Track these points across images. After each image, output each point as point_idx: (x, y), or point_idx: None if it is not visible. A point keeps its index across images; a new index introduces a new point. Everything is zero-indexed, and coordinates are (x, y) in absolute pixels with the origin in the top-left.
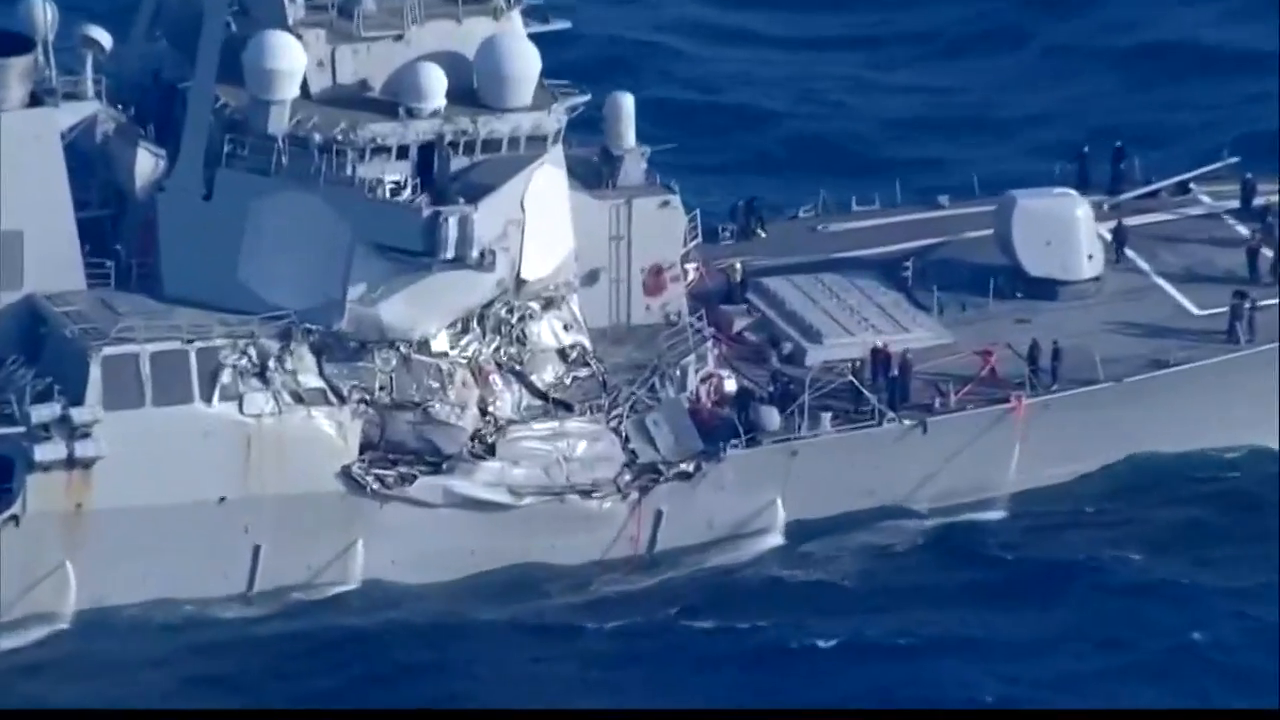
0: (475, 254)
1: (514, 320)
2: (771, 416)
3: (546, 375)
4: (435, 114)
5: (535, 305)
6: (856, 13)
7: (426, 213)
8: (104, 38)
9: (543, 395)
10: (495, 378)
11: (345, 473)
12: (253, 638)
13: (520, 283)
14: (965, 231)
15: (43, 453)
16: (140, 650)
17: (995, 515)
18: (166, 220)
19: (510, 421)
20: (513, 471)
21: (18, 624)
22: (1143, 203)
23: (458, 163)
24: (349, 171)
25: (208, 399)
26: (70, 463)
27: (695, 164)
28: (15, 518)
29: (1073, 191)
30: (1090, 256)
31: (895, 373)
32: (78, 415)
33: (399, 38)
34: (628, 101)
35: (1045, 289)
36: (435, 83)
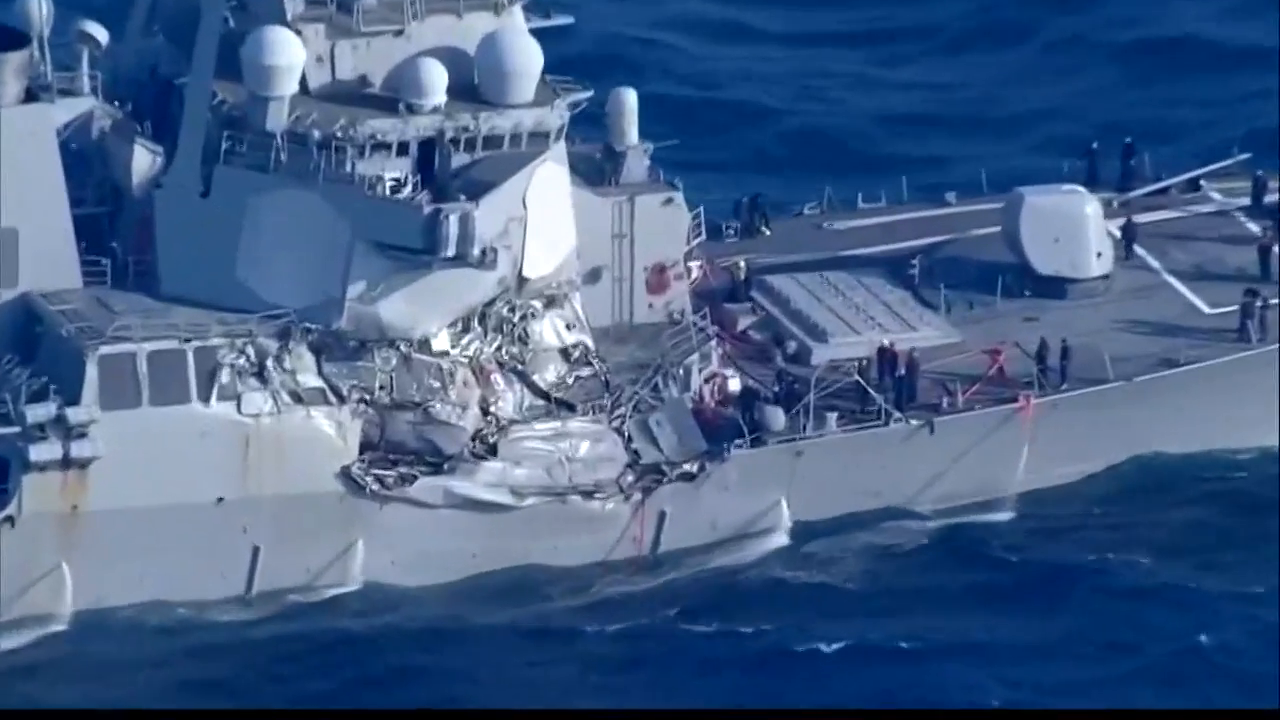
0: (476, 252)
1: (516, 319)
2: (776, 416)
3: (549, 375)
4: (436, 110)
5: (537, 304)
6: (857, 8)
7: (427, 210)
8: (100, 33)
9: (545, 395)
10: (497, 377)
11: (345, 473)
12: (250, 640)
13: (522, 281)
14: (973, 229)
15: (38, 453)
16: (137, 652)
17: (1002, 516)
18: (164, 218)
19: (512, 421)
20: (514, 472)
21: (14, 625)
22: (1152, 200)
23: (459, 159)
24: (348, 168)
25: (205, 399)
26: (66, 463)
27: (697, 161)
28: (11, 519)
29: (1081, 188)
30: (1099, 254)
31: (902, 372)
32: (74, 415)
33: (399, 33)
34: (631, 97)
35: (1054, 287)
36: (436, 78)
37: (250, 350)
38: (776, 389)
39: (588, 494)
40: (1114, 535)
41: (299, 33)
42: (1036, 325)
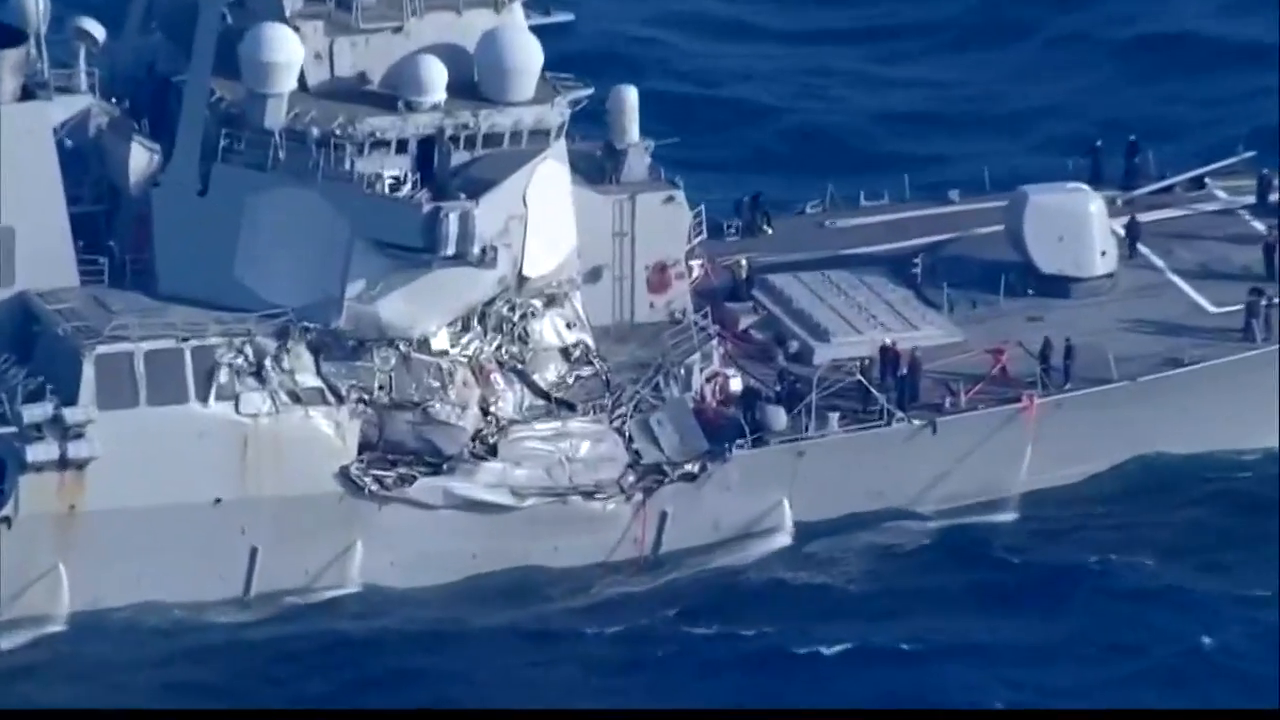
0: (476, 250)
1: (516, 318)
2: (778, 416)
3: (549, 374)
4: (435, 108)
5: (537, 303)
6: (858, 5)
7: (426, 208)
8: (97, 30)
9: (545, 395)
10: (497, 377)
11: (343, 474)
12: (248, 641)
13: (522, 280)
14: (976, 227)
15: (35, 453)
16: (134, 653)
17: (1004, 517)
18: (161, 216)
19: (512, 421)
20: (514, 472)
21: (11, 626)
22: (1157, 198)
23: (458, 157)
24: (347, 166)
25: (203, 398)
26: (63, 463)
27: (697, 159)
28: (7, 519)
29: (1086, 187)
30: (1103, 253)
31: (904, 371)
32: (71, 415)
33: (398, 30)
34: (631, 95)
35: (1058, 286)
36: (435, 76)
37: (248, 350)
38: (778, 388)
39: (588, 494)
40: (1117, 536)
41: (297, 29)
42: (1040, 324)
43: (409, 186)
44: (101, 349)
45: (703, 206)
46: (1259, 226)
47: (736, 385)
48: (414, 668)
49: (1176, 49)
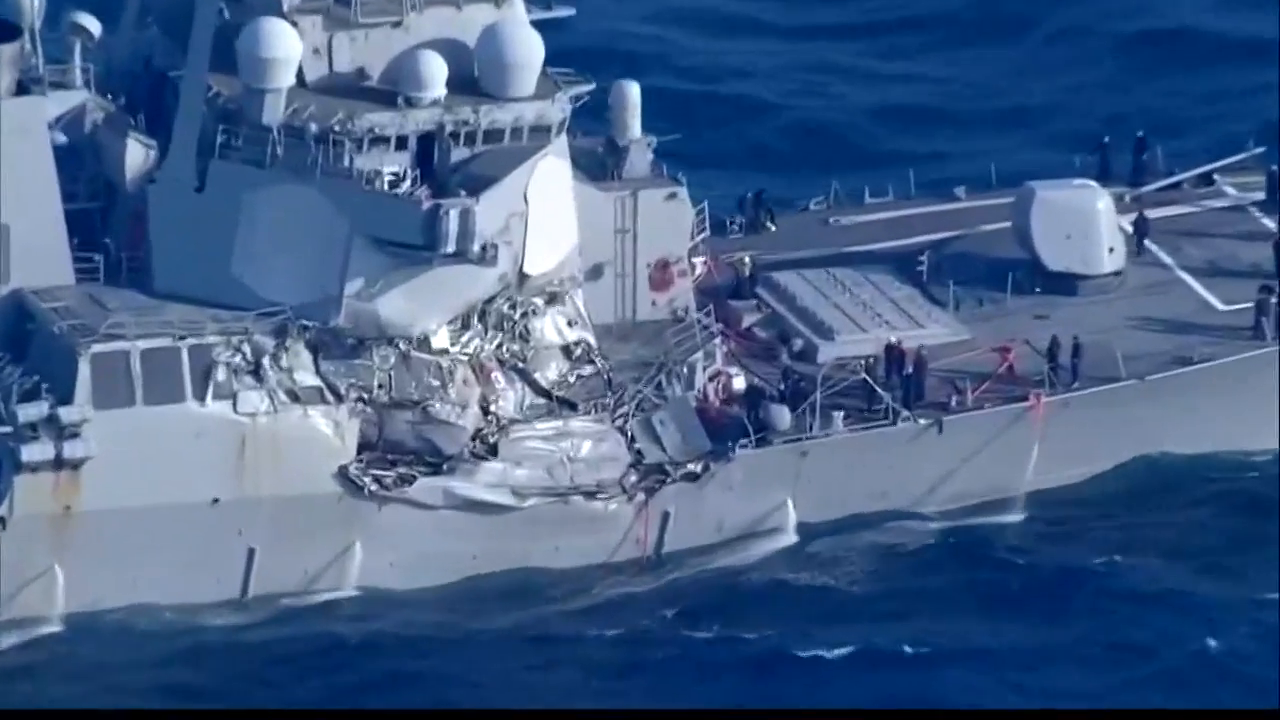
0: (477, 248)
1: (516, 316)
2: (782, 415)
3: (550, 373)
4: (435, 103)
5: (538, 301)
6: (857, 1)
7: (426, 205)
8: (93, 25)
9: (546, 394)
10: (497, 375)
11: (342, 473)
12: (246, 643)
13: (523, 277)
14: (982, 224)
15: (30, 453)
16: (130, 655)
17: (1010, 518)
18: (158, 213)
19: (513, 421)
20: (515, 472)
21: (6, 628)
22: (1165, 194)
23: (458, 154)
24: (346, 163)
25: (201, 398)
26: (58, 463)
27: (699, 156)
28: (2, 520)
29: (1093, 183)
30: (1111, 250)
31: (910, 370)
32: (66, 414)
33: (397, 24)
34: (634, 90)
35: (1065, 284)
36: (435, 71)
37: (246, 348)
38: (782, 387)
39: (590, 494)
40: (1122, 537)
41: (295, 24)
42: (1047, 322)
43: (409, 183)
44: (97, 347)
45: (705, 203)
46: (1268, 223)
47: (740, 384)
48: (413, 670)
49: (1178, 44)
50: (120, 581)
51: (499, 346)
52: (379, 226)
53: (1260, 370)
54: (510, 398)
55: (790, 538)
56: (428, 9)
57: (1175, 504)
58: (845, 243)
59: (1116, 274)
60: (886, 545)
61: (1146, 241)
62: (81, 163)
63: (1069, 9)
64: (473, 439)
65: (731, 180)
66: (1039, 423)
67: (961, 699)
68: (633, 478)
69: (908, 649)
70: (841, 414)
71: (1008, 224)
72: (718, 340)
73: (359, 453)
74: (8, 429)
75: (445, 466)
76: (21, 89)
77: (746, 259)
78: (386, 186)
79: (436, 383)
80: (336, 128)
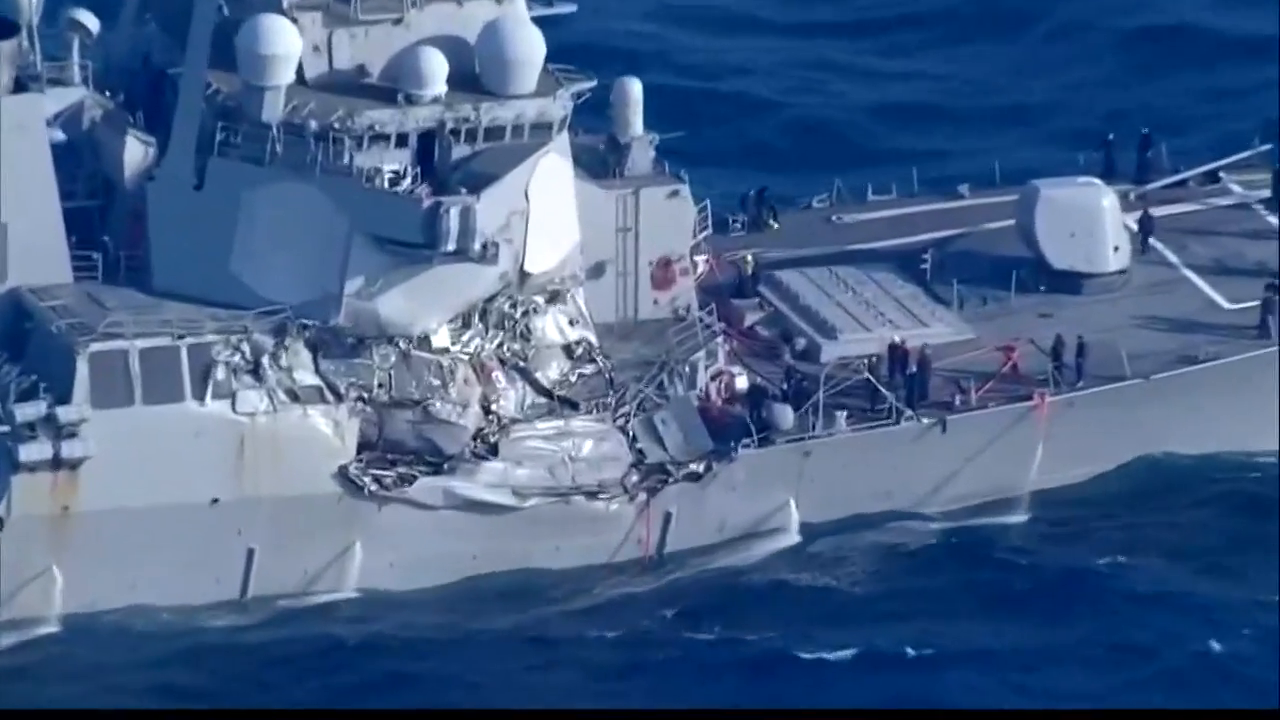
0: (477, 246)
1: (517, 315)
2: (785, 415)
3: (551, 372)
4: (436, 100)
5: (539, 299)
6: None
7: (427, 203)
8: (91, 21)
9: (547, 393)
10: (498, 375)
11: (342, 473)
12: (244, 645)
13: (524, 276)
14: (986, 222)
15: (28, 453)
16: (128, 656)
17: (1013, 518)
18: (156, 211)
19: (513, 420)
20: (516, 472)
21: (3, 629)
22: (1170, 192)
23: (459, 151)
24: (346, 160)
25: (199, 397)
26: (56, 463)
27: (698, 153)
28: (0, 520)
29: (1098, 181)
30: (1116, 248)
31: (913, 369)
32: (64, 414)
33: (398, 21)
34: (635, 88)
35: (1069, 282)
36: (436, 68)
37: (245, 347)
38: (785, 387)
39: (591, 494)
40: (1125, 538)
41: (295, 21)
42: (1052, 321)
43: (409, 181)
44: (96, 346)
45: (708, 201)
46: (1274, 221)
47: (742, 383)
48: (413, 672)
49: (1177, 40)
50: (119, 582)
51: (500, 345)
52: (379, 224)
53: (1265, 369)
54: (511, 397)
55: (793, 538)
56: (428, 5)
57: (1179, 504)
58: (848, 241)
59: (1121, 272)
60: (889, 545)
61: (1151, 239)
62: (80, 160)
63: (1069, 5)
64: (473, 438)
65: (731, 178)
66: (1043, 422)
67: (964, 700)
68: (634, 478)
69: (910, 650)
70: (845, 413)
71: (1012, 222)
72: (720, 339)
73: (359, 452)
74: (5, 428)
75: (446, 466)
76: (19, 86)
77: (749, 257)
78: (387, 184)
79: (437, 382)
80: (336, 125)
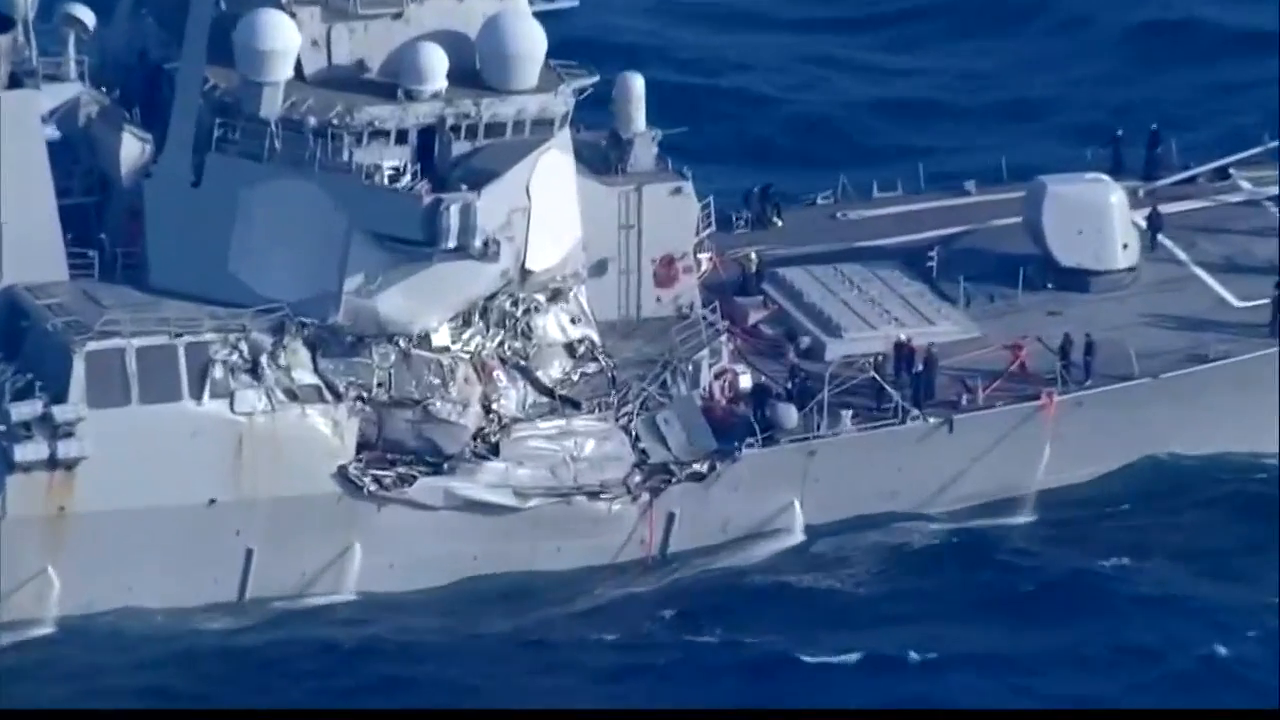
0: (478, 244)
1: (519, 313)
2: (789, 414)
3: (553, 371)
4: (436, 96)
5: (541, 297)
6: None
7: (427, 200)
8: (87, 16)
9: (549, 392)
10: (499, 374)
11: (341, 474)
12: (242, 647)
13: (525, 274)
14: (993, 219)
15: (23, 453)
16: (124, 659)
17: (1019, 520)
18: (153, 208)
19: (515, 420)
20: (517, 472)
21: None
22: (1179, 189)
23: (459, 147)
24: (345, 157)
25: (197, 396)
26: (52, 463)
27: (699, 150)
28: None
29: (1106, 177)
30: (1125, 245)
31: (919, 368)
32: (60, 413)
33: (398, 16)
34: (638, 83)
35: (1077, 280)
36: (436, 63)
37: (243, 346)
38: (789, 386)
39: (593, 495)
40: (1131, 539)
41: (294, 16)
42: (1059, 319)
43: (409, 178)
44: (92, 345)
45: (711, 198)
46: None
47: (746, 382)
48: (409, 676)
49: (1181, 35)
50: (116, 584)
51: (501, 344)
52: (379, 222)
53: (1276, 368)
54: (512, 396)
55: (797, 538)
56: (428, 0)
57: (1185, 505)
58: (853, 238)
59: (1130, 270)
60: (892, 546)
61: (1160, 236)
62: (76, 157)
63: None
64: (474, 438)
65: (732, 175)
66: (1051, 422)
67: (967, 702)
68: (637, 478)
69: (913, 654)
70: (850, 413)
71: (1019, 219)
72: (723, 338)
73: (358, 452)
74: (0, 428)
75: (446, 466)
76: (15, 82)
77: (753, 255)
78: (386, 181)
79: (437, 381)
80: (335, 121)
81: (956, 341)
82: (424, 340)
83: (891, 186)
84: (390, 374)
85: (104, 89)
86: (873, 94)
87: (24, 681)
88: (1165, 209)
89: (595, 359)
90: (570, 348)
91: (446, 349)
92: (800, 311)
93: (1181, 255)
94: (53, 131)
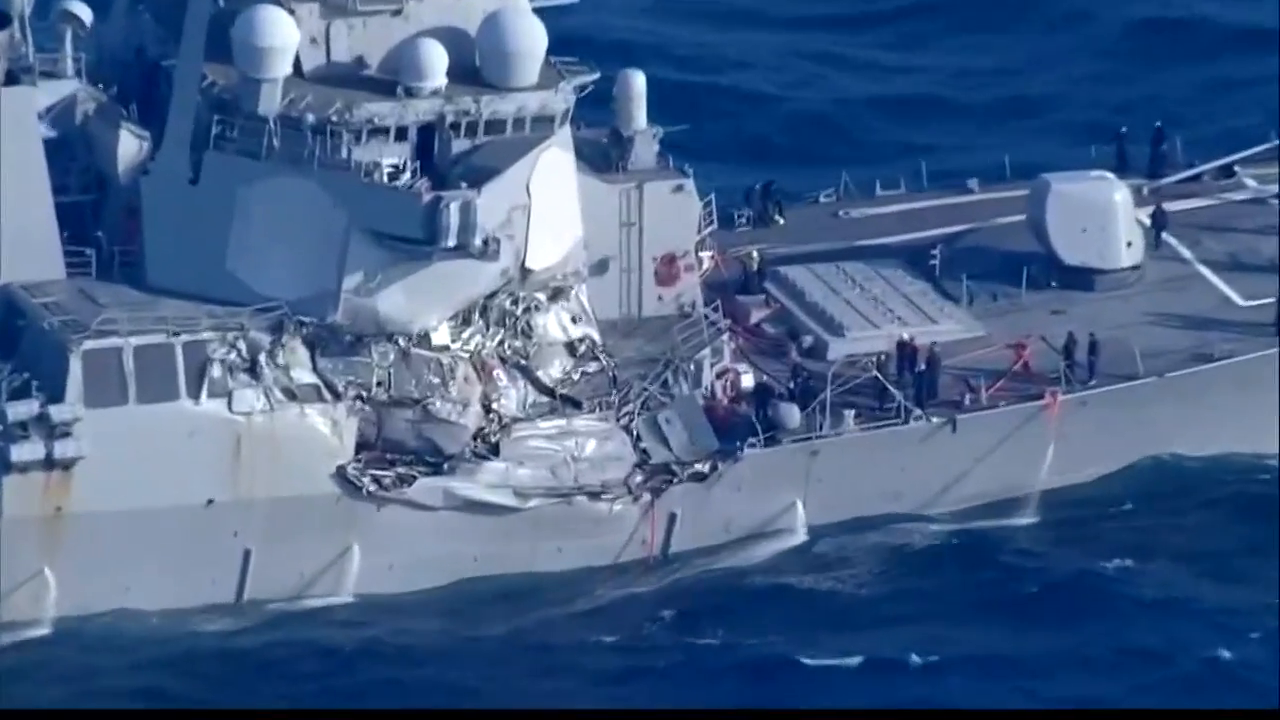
0: (478, 242)
1: (519, 312)
2: (791, 414)
3: (553, 370)
4: (435, 93)
5: (541, 296)
6: None
7: (426, 198)
8: (84, 12)
9: (549, 391)
10: (499, 373)
11: (340, 474)
12: (240, 649)
13: (525, 272)
14: (996, 217)
15: (20, 453)
16: (121, 660)
17: (1022, 521)
18: (151, 206)
19: (515, 419)
20: (517, 472)
21: None
22: (1184, 187)
23: (459, 145)
24: (344, 154)
25: (195, 396)
26: (49, 463)
27: (699, 148)
28: None
29: (1110, 175)
30: (1129, 244)
31: (922, 367)
32: (57, 413)
33: (397, 12)
34: (639, 80)
35: (1081, 278)
36: (436, 60)
37: (241, 345)
38: (791, 385)
39: (594, 495)
40: (1135, 540)
41: (292, 12)
42: (1063, 318)
43: (408, 175)
44: (89, 344)
45: (713, 196)
46: None
47: (748, 381)
48: (408, 679)
49: (1182, 32)
50: (113, 584)
51: (501, 343)
52: (378, 220)
53: (1277, 368)
54: (512, 396)
55: (800, 539)
56: None
57: (1188, 506)
58: (856, 236)
59: (1134, 268)
60: (894, 547)
61: (1165, 235)
62: (73, 154)
63: None
64: (474, 438)
65: (731, 173)
66: (1055, 421)
67: (969, 704)
68: (638, 478)
69: (915, 656)
70: (852, 412)
71: (1022, 217)
72: (725, 337)
73: (357, 452)
74: None
75: (446, 466)
76: (11, 78)
77: (755, 253)
78: (386, 179)
79: (437, 380)
80: (334, 118)
81: (960, 341)
82: (424, 339)
83: (894, 185)
84: (390, 373)
85: (101, 86)
86: (874, 91)
87: (21, 683)
88: (1170, 207)
89: (596, 358)
90: (571, 347)
91: (446, 348)
92: (802, 310)
93: (1186, 254)
94: (48, 129)
